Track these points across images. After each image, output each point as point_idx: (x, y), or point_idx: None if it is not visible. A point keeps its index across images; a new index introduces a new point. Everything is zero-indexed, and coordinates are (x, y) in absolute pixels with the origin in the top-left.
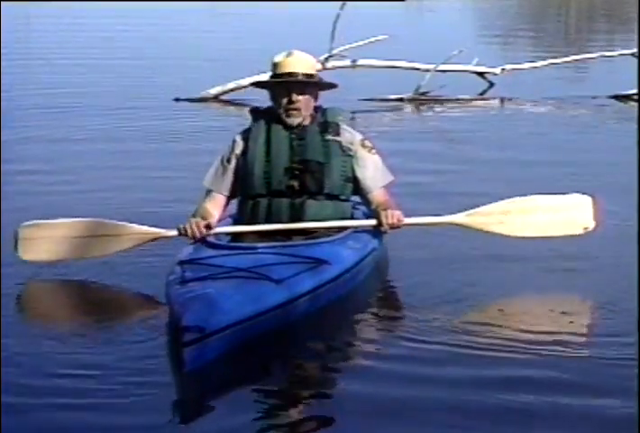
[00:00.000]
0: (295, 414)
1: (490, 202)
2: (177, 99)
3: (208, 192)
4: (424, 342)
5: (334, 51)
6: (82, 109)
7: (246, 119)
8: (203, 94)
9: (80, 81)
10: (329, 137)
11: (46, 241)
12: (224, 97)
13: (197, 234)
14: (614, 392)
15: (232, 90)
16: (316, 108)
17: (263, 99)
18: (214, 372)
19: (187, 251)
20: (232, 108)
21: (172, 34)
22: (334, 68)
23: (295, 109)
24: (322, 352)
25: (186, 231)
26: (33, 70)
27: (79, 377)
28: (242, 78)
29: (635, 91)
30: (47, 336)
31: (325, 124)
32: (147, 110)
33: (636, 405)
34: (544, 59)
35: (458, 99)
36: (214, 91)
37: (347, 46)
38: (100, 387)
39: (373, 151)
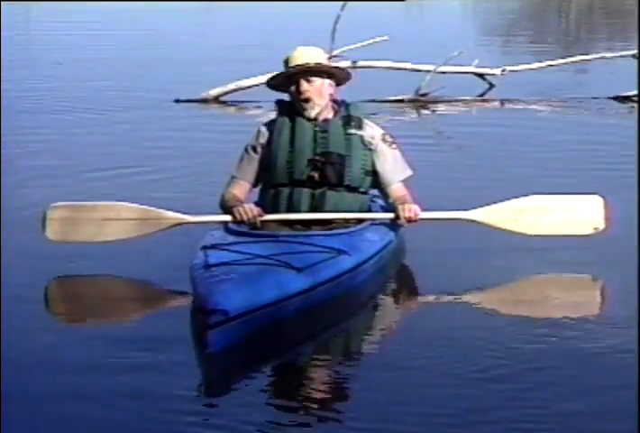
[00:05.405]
0: (315, 396)
1: (488, 204)
2: (177, 100)
3: (233, 179)
4: (439, 334)
5: (335, 52)
6: (82, 109)
7: (245, 120)
8: (203, 95)
9: (79, 81)
10: (351, 131)
11: (72, 222)
12: (224, 98)
13: (253, 220)
14: None
15: (232, 91)
16: (339, 102)
17: (264, 100)
18: (236, 354)
19: (210, 236)
20: (232, 109)
21: (172, 35)
22: None
23: (306, 99)
24: (339, 337)
25: (241, 216)
26: (34, 70)
27: (101, 358)
28: (243, 78)
29: (635, 92)
30: (70, 321)
31: (349, 117)
32: (147, 111)
33: (637, 404)
34: (544, 60)
35: (458, 100)
36: (214, 92)
37: (347, 47)
38: (123, 367)
39: (394, 145)
